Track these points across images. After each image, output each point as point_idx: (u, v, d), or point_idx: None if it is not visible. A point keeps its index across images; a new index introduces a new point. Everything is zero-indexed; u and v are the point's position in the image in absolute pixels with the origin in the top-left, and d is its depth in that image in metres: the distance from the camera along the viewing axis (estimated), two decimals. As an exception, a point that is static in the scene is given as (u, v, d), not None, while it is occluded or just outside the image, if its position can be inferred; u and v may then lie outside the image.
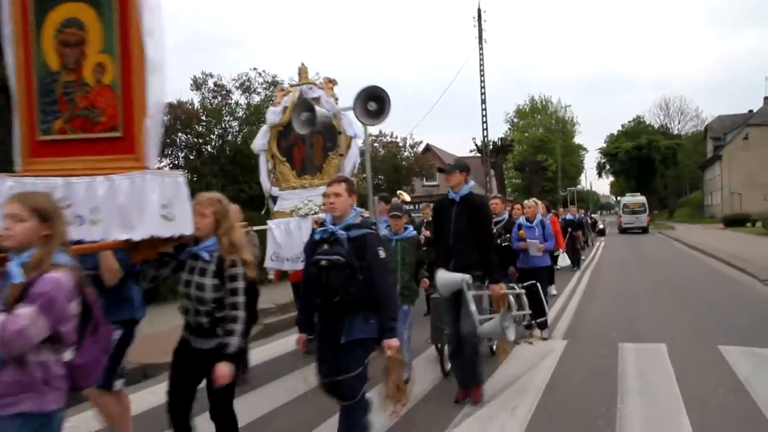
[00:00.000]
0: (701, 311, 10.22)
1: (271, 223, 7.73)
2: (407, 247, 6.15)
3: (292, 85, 8.99)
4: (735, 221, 40.43)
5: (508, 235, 8.45)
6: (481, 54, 28.24)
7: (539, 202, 9.20)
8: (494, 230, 7.61)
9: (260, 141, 8.44)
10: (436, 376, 6.57)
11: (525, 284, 7.32)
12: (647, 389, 5.84)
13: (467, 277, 5.28)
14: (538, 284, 7.52)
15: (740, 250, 20.63)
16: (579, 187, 54.16)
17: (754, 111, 58.83)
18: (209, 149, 19.25)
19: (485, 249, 5.59)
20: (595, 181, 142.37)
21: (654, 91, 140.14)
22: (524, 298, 6.72)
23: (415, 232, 6.45)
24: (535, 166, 53.83)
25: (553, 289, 11.88)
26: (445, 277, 5.38)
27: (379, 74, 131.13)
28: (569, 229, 17.36)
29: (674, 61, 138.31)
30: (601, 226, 38.94)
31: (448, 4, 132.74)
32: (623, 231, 40.86)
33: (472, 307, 5.26)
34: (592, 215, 42.24)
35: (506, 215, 8.88)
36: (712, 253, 20.98)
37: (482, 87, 28.12)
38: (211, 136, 19.59)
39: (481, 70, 28.15)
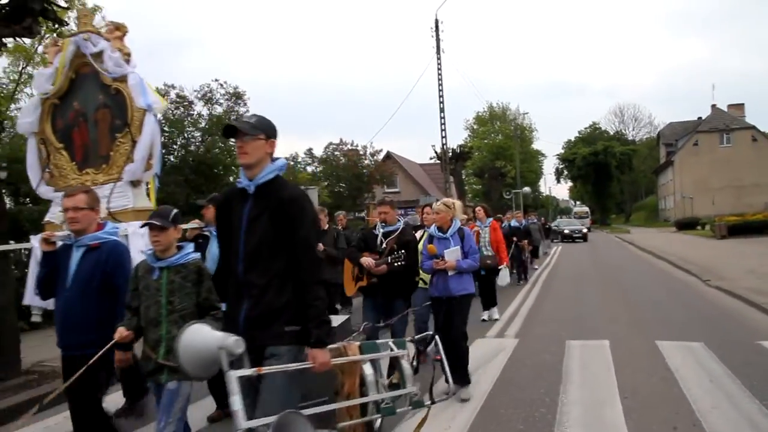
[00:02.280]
0: (645, 310, 10.84)
1: (35, 240, 5.65)
2: (179, 281, 3.68)
3: (65, 36, 6.64)
4: (687, 225, 42.41)
5: (402, 252, 5.86)
6: (439, 63, 28.85)
7: (457, 203, 6.44)
8: (382, 245, 6.09)
9: (27, 119, 6.21)
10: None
11: (417, 337, 5.07)
12: (588, 380, 6.34)
13: (231, 340, 2.89)
14: (437, 336, 4.92)
15: (689, 253, 21.68)
16: (526, 189, 55.45)
17: (703, 118, 60.93)
18: (172, 159, 19.48)
19: (304, 283, 3.11)
20: (554, 187, 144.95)
21: (608, 98, 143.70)
22: (405, 365, 4.22)
23: (196, 255, 3.86)
24: (494, 172, 54.87)
25: (495, 313, 10.45)
26: (191, 338, 3.02)
27: (339, 82, 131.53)
28: (514, 239, 14.87)
29: (626, 69, 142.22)
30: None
31: (407, 15, 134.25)
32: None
33: (237, 403, 2.83)
34: (548, 222, 43.03)
35: (400, 224, 6.24)
36: (662, 255, 21.96)
37: (441, 95, 28.71)
38: (174, 146, 19.85)
39: (439, 79, 28.73)
